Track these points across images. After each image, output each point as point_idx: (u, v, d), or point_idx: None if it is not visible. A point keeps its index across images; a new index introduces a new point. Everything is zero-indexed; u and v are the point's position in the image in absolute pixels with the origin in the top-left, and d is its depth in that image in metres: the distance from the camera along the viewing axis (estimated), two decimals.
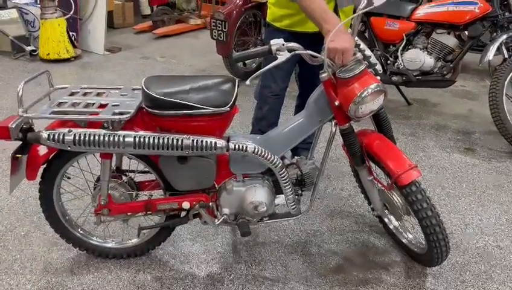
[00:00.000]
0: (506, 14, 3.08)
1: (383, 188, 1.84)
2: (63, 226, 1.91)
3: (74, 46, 4.85)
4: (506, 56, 3.08)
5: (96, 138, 1.57)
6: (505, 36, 3.05)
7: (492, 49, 3.03)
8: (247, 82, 1.56)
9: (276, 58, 1.56)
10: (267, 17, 2.26)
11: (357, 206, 2.43)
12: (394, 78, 3.37)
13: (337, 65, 1.60)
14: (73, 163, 1.79)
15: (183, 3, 6.20)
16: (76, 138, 1.56)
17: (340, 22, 1.64)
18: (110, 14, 5.74)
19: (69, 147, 1.58)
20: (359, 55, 1.63)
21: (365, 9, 1.53)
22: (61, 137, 1.56)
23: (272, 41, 1.56)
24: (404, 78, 3.35)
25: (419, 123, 3.49)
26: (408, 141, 3.20)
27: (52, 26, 4.59)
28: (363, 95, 1.57)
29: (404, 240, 2.06)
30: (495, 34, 3.16)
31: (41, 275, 1.90)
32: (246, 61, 4.15)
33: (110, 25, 5.83)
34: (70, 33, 4.85)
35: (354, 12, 2.05)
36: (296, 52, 1.58)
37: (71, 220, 1.95)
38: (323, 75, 1.66)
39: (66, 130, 1.58)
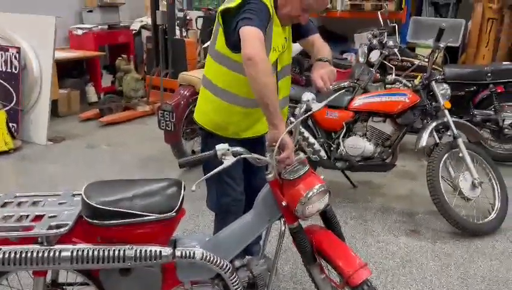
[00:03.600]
0: (433, 103, 3.38)
1: (336, 286, 1.81)
2: None
3: (13, 138, 4.67)
4: (437, 141, 3.33)
5: (29, 255, 1.44)
6: (434, 123, 3.31)
7: (425, 136, 3.27)
8: (193, 188, 1.53)
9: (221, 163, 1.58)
10: (205, 124, 2.05)
11: None
12: (338, 163, 3.49)
13: (282, 166, 1.65)
14: (1, 281, 1.62)
15: (131, 91, 6.26)
16: (6, 256, 1.43)
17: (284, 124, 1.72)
18: (54, 103, 5.65)
19: None
20: (302, 155, 1.69)
21: (305, 115, 1.61)
22: None
23: (217, 147, 1.58)
24: (347, 163, 3.48)
25: (366, 206, 3.58)
26: (356, 225, 3.25)
27: None
28: (308, 196, 1.60)
29: None
30: (425, 121, 3.44)
31: None
32: (194, 150, 4.20)
33: (55, 113, 5.70)
34: (10, 124, 4.69)
35: None
36: (242, 156, 1.61)
37: None
38: (269, 175, 1.69)
39: None
